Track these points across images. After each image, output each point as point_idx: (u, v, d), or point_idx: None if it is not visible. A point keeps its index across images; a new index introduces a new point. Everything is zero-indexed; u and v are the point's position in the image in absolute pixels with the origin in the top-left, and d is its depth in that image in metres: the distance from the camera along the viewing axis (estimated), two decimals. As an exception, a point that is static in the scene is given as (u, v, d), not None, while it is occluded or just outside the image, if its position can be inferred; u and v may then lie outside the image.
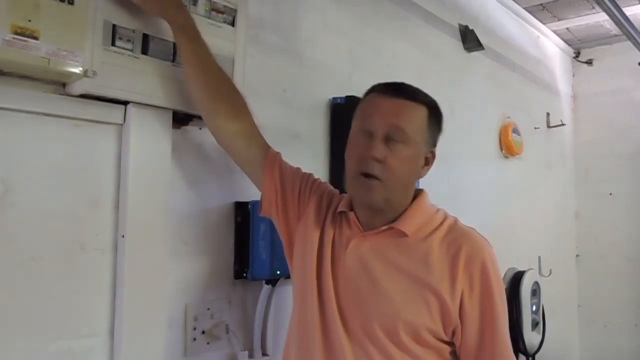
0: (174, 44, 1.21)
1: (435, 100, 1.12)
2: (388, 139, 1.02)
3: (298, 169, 1.28)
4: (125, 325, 1.19)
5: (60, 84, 1.12)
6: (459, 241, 1.05)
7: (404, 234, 1.07)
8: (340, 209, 1.15)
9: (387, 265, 1.06)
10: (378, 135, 1.02)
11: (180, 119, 1.32)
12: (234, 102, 1.22)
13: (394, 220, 1.08)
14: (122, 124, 1.22)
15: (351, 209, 1.13)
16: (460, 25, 2.61)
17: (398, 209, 1.09)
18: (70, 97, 1.13)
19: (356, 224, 1.11)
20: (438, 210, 1.13)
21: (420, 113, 1.07)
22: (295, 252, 1.20)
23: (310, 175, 1.28)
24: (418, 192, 1.13)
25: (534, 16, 3.29)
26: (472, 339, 1.03)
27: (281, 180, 1.22)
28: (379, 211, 1.08)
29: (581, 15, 3.28)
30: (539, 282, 2.99)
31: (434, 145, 1.12)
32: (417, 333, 1.02)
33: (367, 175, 1.02)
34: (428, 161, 1.11)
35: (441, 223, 1.09)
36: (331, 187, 1.27)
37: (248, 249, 1.45)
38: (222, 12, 1.32)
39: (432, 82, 2.37)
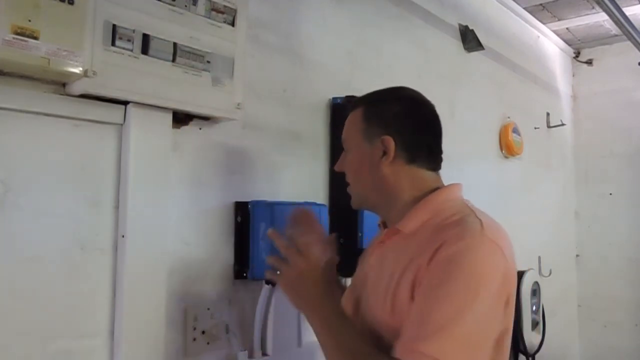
0: (174, 44, 1.21)
1: (377, 94, 1.12)
2: (344, 152, 1.14)
3: None
4: (125, 325, 1.19)
5: (60, 84, 1.12)
6: (447, 229, 0.96)
7: (405, 234, 1.03)
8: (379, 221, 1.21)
9: (381, 268, 1.04)
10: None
11: (180, 119, 1.32)
12: None
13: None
14: (122, 124, 1.22)
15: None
16: (460, 25, 2.61)
17: (400, 209, 1.06)
18: (70, 97, 1.13)
19: (381, 232, 1.14)
20: (454, 205, 1.03)
21: (355, 117, 1.11)
22: None
23: None
24: (436, 188, 1.07)
25: (534, 16, 3.29)
26: (408, 315, 0.92)
27: None
28: (383, 213, 1.13)
29: (581, 15, 3.28)
30: (539, 282, 2.99)
31: (385, 132, 1.05)
32: (380, 336, 0.98)
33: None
34: (384, 151, 1.05)
35: (449, 216, 1.00)
36: None
37: (248, 249, 1.45)
38: (222, 12, 1.32)
39: (432, 82, 2.37)
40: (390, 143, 1.04)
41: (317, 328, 1.02)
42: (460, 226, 0.96)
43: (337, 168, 1.16)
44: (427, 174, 1.08)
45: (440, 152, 1.11)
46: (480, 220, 0.97)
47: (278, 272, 1.12)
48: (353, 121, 1.12)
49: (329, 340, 0.99)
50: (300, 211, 1.22)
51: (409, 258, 0.97)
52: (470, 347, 0.89)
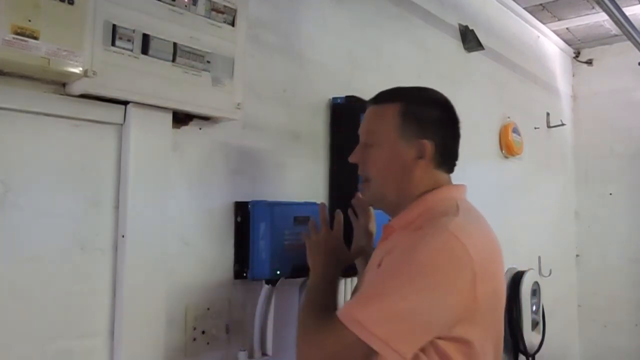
0: (174, 44, 1.21)
1: (418, 93, 1.13)
2: (365, 145, 1.12)
3: None
4: (125, 325, 1.19)
5: (60, 84, 1.12)
6: (417, 225, 1.01)
7: (401, 230, 1.06)
8: None
9: (370, 263, 1.11)
10: (360, 142, 1.13)
11: (180, 119, 1.32)
12: None
13: None
14: (122, 124, 1.22)
15: None
16: (460, 25, 2.61)
17: (404, 207, 1.08)
18: (70, 97, 1.13)
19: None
20: (446, 209, 1.03)
21: (388, 112, 1.09)
22: None
23: None
24: (432, 189, 1.08)
25: (534, 16, 3.29)
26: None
27: None
28: (393, 210, 1.12)
29: (581, 15, 3.28)
30: (539, 282, 2.99)
31: (423, 136, 1.07)
32: None
33: (362, 179, 1.13)
34: (421, 153, 1.07)
35: (438, 213, 1.02)
36: None
37: (248, 249, 1.45)
38: (222, 12, 1.32)
39: (432, 82, 2.35)
40: (429, 147, 1.07)
41: (309, 285, 1.17)
42: (429, 222, 1.00)
43: (352, 159, 1.13)
44: (444, 177, 1.13)
45: (458, 156, 1.19)
46: (454, 217, 1.00)
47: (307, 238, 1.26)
48: (386, 115, 1.09)
49: (308, 295, 1.14)
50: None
51: (384, 254, 1.01)
52: (398, 324, 0.92)
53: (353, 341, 0.91)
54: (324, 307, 1.08)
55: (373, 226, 1.35)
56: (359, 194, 1.30)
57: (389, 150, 1.08)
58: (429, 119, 1.09)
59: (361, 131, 1.14)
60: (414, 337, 0.93)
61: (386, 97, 1.12)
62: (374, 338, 0.90)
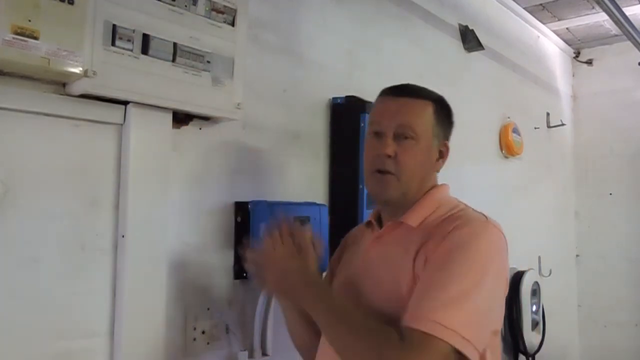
0: (174, 44, 1.21)
1: (442, 96, 1.14)
2: (397, 137, 1.07)
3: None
4: (125, 325, 1.19)
5: (60, 84, 1.12)
6: (455, 219, 1.01)
7: (410, 227, 1.06)
8: (367, 219, 1.21)
9: (387, 257, 1.07)
10: (388, 134, 1.07)
11: (180, 119, 1.32)
12: None
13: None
14: (122, 124, 1.22)
15: (379, 217, 1.17)
16: (460, 25, 2.61)
17: (407, 204, 1.09)
18: (70, 97, 1.13)
19: (374, 227, 1.15)
20: (451, 201, 1.10)
21: (425, 108, 1.09)
22: None
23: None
24: (434, 186, 1.13)
25: (534, 16, 3.29)
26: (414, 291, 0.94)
27: None
28: (398, 207, 1.09)
29: (581, 15, 3.28)
30: (539, 282, 2.99)
31: (446, 138, 1.13)
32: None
33: (382, 172, 1.07)
34: (442, 154, 1.13)
35: (449, 210, 1.06)
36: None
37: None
38: (222, 12, 1.32)
39: (432, 82, 2.34)
40: (448, 149, 1.13)
41: (315, 308, 1.00)
42: (466, 216, 1.03)
43: (389, 151, 1.04)
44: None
45: None
46: (475, 211, 1.06)
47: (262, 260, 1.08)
48: (425, 111, 1.09)
49: (331, 318, 0.97)
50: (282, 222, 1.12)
51: (418, 247, 1.00)
52: (479, 323, 0.92)
53: (446, 353, 0.86)
54: (360, 324, 0.95)
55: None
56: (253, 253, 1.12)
57: (425, 147, 1.08)
58: (450, 122, 1.15)
59: (390, 122, 1.07)
60: (488, 332, 0.96)
61: (418, 92, 1.12)
62: (466, 343, 0.87)
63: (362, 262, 1.12)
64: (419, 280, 0.96)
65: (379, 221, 1.16)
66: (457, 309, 0.89)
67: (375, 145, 1.08)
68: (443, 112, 1.12)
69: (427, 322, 0.88)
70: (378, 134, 1.09)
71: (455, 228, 0.98)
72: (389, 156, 1.05)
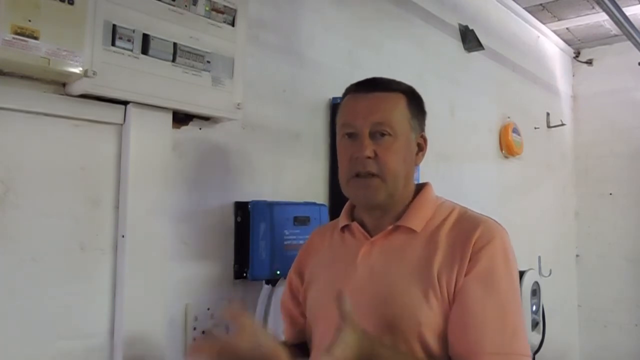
0: (174, 44, 1.21)
1: (412, 86, 1.08)
2: (373, 135, 1.00)
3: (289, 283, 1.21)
4: (125, 325, 1.19)
5: (60, 84, 1.12)
6: (470, 227, 0.97)
7: (412, 231, 1.01)
8: (342, 224, 1.11)
9: (402, 266, 0.99)
10: (363, 133, 1.00)
11: (180, 119, 1.33)
12: None
13: (399, 217, 1.03)
14: (122, 124, 1.22)
15: (353, 219, 1.10)
16: (460, 25, 2.61)
17: (402, 205, 1.04)
18: (70, 97, 1.13)
19: (361, 232, 1.07)
20: (444, 201, 1.07)
21: (398, 102, 1.03)
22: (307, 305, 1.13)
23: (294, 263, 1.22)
24: (422, 186, 1.09)
25: (534, 16, 3.29)
26: (459, 319, 0.92)
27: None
28: (385, 210, 1.04)
29: (581, 15, 3.28)
30: (539, 282, 2.99)
31: (422, 130, 1.08)
32: (439, 334, 0.94)
33: (361, 175, 1.00)
34: (421, 147, 1.07)
35: (450, 213, 1.03)
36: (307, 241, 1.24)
37: (248, 249, 1.45)
38: (222, 12, 1.32)
39: (432, 82, 2.37)
40: (426, 141, 1.08)
41: None
42: (480, 221, 0.99)
43: (368, 153, 0.98)
44: None
45: None
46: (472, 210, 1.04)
47: None
48: (398, 104, 1.03)
49: None
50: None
51: (438, 261, 0.96)
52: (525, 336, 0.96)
53: None
54: None
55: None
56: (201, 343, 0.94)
57: (405, 142, 1.02)
58: (424, 112, 1.09)
59: (363, 120, 1.01)
60: None
61: (388, 85, 1.06)
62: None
63: (365, 270, 1.02)
64: (460, 305, 0.92)
65: (362, 225, 1.08)
66: (521, 333, 0.93)
67: (350, 148, 1.01)
68: (416, 103, 1.06)
69: (509, 355, 0.91)
70: (352, 136, 1.02)
71: (480, 240, 0.95)
72: (369, 157, 0.99)
